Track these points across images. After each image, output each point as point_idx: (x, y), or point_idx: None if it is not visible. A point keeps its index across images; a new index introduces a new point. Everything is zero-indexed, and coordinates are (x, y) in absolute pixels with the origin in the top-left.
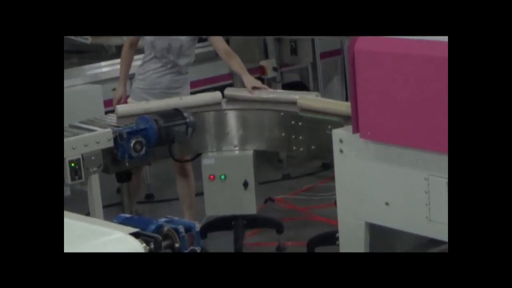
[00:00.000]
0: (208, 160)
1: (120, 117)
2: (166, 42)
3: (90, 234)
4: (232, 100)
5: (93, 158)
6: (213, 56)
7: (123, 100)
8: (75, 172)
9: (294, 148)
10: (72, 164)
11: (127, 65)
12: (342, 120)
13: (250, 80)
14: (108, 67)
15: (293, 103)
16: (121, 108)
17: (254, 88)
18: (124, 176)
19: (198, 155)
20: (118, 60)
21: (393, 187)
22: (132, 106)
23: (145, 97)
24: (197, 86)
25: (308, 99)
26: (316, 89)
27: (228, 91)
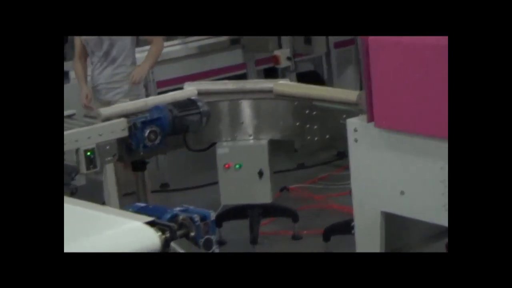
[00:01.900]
0: (222, 150)
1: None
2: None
3: (106, 223)
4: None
5: (108, 147)
6: (226, 46)
7: (90, 96)
8: (90, 161)
9: (308, 137)
10: (88, 153)
11: (81, 69)
12: (356, 109)
13: (141, 68)
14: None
15: (268, 91)
16: (104, 111)
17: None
18: (139, 166)
19: (213, 144)
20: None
21: (408, 176)
22: (115, 108)
23: (96, 96)
24: (209, 76)
25: (283, 85)
26: (330, 78)
27: (188, 86)
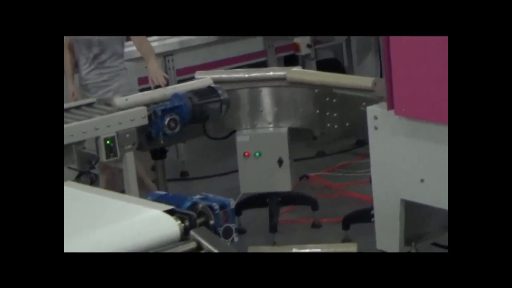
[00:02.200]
0: (242, 137)
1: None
2: (86, 36)
3: (125, 212)
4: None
5: (127, 135)
6: None
7: (76, 94)
8: (110, 150)
9: (328, 125)
10: (107, 142)
11: (69, 63)
12: (375, 96)
13: (153, 68)
14: None
15: (281, 79)
16: (119, 102)
17: (157, 84)
18: (159, 154)
19: (232, 132)
20: (153, 38)
21: (428, 163)
22: (132, 98)
23: (84, 93)
24: (230, 64)
25: (296, 73)
26: (350, 65)
27: (199, 75)
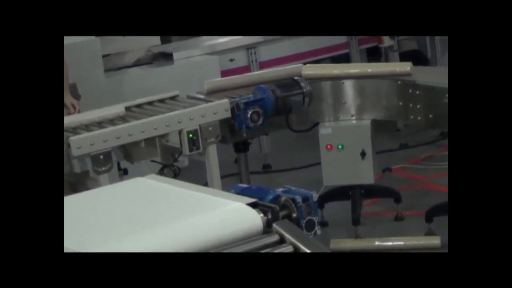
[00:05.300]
0: (325, 130)
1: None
2: None
3: (208, 204)
4: (213, 92)
5: (210, 128)
6: None
7: (77, 106)
8: (193, 143)
9: (411, 117)
10: (190, 135)
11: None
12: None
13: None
14: (225, 38)
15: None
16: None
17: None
18: (241, 146)
19: (315, 124)
20: None
21: None
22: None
23: None
24: (312, 56)
25: (312, 68)
26: (434, 57)
27: (209, 85)
